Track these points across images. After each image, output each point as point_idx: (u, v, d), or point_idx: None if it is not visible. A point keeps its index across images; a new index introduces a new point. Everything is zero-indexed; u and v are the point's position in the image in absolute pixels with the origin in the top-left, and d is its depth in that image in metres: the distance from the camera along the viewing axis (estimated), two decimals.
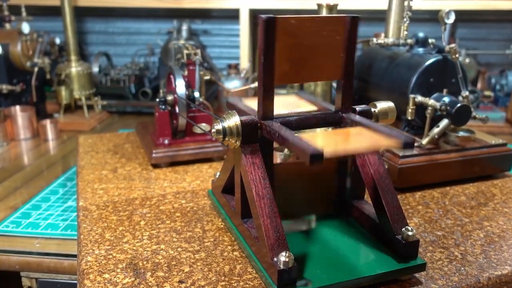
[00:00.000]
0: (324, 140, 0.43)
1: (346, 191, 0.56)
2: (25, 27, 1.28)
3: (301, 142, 0.40)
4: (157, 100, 0.81)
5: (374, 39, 0.82)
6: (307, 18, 0.47)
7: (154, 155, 0.78)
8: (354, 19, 0.48)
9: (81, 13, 1.72)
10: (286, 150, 0.76)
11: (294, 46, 0.47)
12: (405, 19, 0.80)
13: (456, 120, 0.69)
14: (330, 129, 0.53)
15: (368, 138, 0.44)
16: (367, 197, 0.55)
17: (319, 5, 0.74)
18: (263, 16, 0.45)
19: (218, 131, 0.47)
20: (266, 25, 0.45)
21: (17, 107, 1.27)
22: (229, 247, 0.53)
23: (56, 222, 0.80)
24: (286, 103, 0.55)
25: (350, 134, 0.47)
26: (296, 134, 0.43)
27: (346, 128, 0.50)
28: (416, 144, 0.71)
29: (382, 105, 0.52)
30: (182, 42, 1.53)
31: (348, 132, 0.48)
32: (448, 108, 0.69)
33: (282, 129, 0.45)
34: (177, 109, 0.79)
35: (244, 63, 1.58)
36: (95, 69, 1.56)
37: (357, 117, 0.50)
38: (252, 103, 0.51)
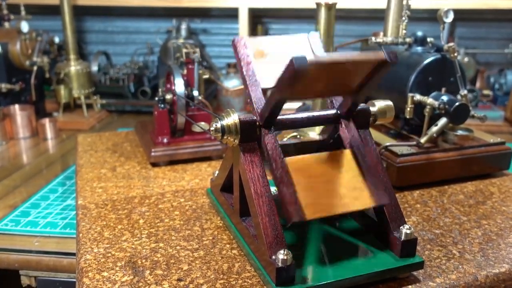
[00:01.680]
0: (308, 195, 0.43)
1: None
2: (24, 26, 1.28)
3: (284, 197, 0.42)
4: (156, 99, 0.81)
5: (373, 38, 0.82)
6: (339, 62, 0.40)
7: (153, 153, 0.78)
8: (384, 62, 0.43)
9: (80, 12, 1.72)
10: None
11: (311, 85, 0.44)
12: (403, 18, 0.80)
13: (455, 118, 0.69)
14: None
15: (353, 196, 0.45)
16: None
17: (318, 4, 0.74)
18: (295, 57, 0.37)
19: (216, 129, 0.47)
20: (297, 70, 0.38)
21: (16, 106, 1.27)
22: (228, 245, 0.53)
23: (55, 220, 0.80)
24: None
25: (334, 182, 0.46)
26: (287, 160, 0.45)
27: (335, 159, 0.48)
28: (414, 142, 0.71)
29: (381, 103, 0.53)
30: (181, 41, 1.52)
31: (334, 178, 0.46)
32: (447, 106, 0.69)
33: (273, 154, 0.45)
34: (176, 108, 0.79)
35: None
36: (94, 68, 1.56)
37: (352, 133, 0.49)
38: None
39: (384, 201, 0.46)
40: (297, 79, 0.39)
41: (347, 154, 0.48)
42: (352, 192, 0.45)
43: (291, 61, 0.37)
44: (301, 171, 0.45)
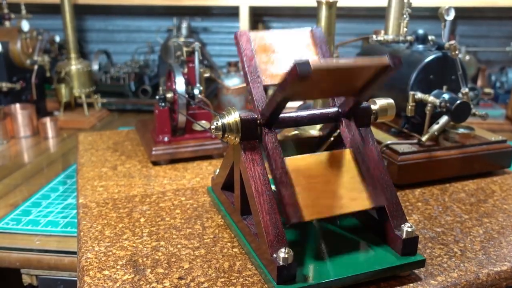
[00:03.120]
0: (307, 196, 0.44)
1: None
2: (25, 25, 1.28)
3: (283, 199, 0.42)
4: (157, 97, 0.81)
5: (374, 36, 0.82)
6: (341, 68, 0.41)
7: (154, 152, 0.78)
8: (387, 67, 0.43)
9: (80, 11, 1.71)
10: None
11: (314, 86, 0.44)
12: (404, 16, 0.80)
13: (456, 116, 0.69)
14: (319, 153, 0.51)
15: (351, 197, 0.46)
16: None
17: (319, 2, 0.73)
18: (297, 62, 0.37)
19: (217, 128, 0.47)
20: (301, 74, 0.37)
21: (17, 105, 1.27)
22: (229, 244, 0.53)
23: (56, 219, 0.80)
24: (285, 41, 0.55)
25: (333, 183, 0.46)
26: (287, 161, 0.45)
27: (335, 158, 0.48)
28: (415, 140, 0.71)
29: (382, 101, 0.52)
30: (182, 39, 1.52)
31: (335, 179, 0.46)
32: (448, 105, 0.69)
33: (273, 154, 0.45)
34: (177, 107, 0.79)
35: None
36: (95, 67, 1.56)
37: (353, 132, 0.49)
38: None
39: (381, 202, 0.46)
40: (300, 83, 0.38)
41: (347, 154, 0.48)
42: (350, 193, 0.46)
43: (294, 66, 0.37)
44: (301, 172, 0.45)
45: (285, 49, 0.53)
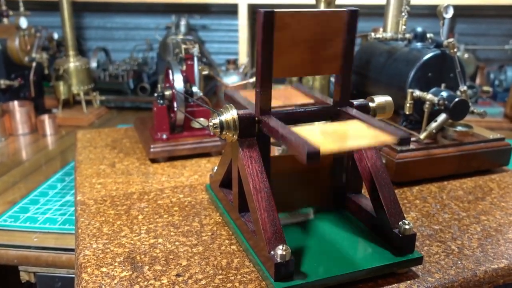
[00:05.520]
0: (320, 137, 0.43)
1: (343, 184, 0.56)
2: (23, 22, 1.28)
3: (297, 139, 0.39)
4: (155, 95, 0.80)
5: (373, 34, 0.82)
6: (306, 13, 0.46)
7: (152, 149, 0.78)
8: (353, 13, 0.48)
9: (79, 8, 1.71)
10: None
11: (293, 40, 0.46)
12: (403, 14, 0.80)
13: (454, 114, 0.69)
14: (328, 122, 0.53)
15: (365, 135, 0.44)
16: (364, 191, 0.55)
17: (317, 0, 0.73)
18: (262, 10, 0.44)
19: (215, 125, 0.47)
20: (265, 19, 0.45)
21: (15, 102, 1.27)
22: (227, 241, 0.53)
23: (54, 216, 0.80)
24: (282, 96, 0.55)
25: (346, 130, 0.46)
26: (293, 128, 0.43)
27: (343, 121, 0.50)
28: (414, 138, 0.71)
29: (380, 99, 0.52)
30: (180, 37, 1.52)
31: (345, 127, 0.47)
32: (446, 102, 0.69)
33: (279, 125, 0.44)
34: (175, 104, 0.79)
35: (243, 58, 1.58)
36: (94, 64, 1.55)
37: (354, 111, 0.50)
38: (249, 95, 0.51)
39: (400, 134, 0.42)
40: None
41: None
42: (366, 132, 0.44)
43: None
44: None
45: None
